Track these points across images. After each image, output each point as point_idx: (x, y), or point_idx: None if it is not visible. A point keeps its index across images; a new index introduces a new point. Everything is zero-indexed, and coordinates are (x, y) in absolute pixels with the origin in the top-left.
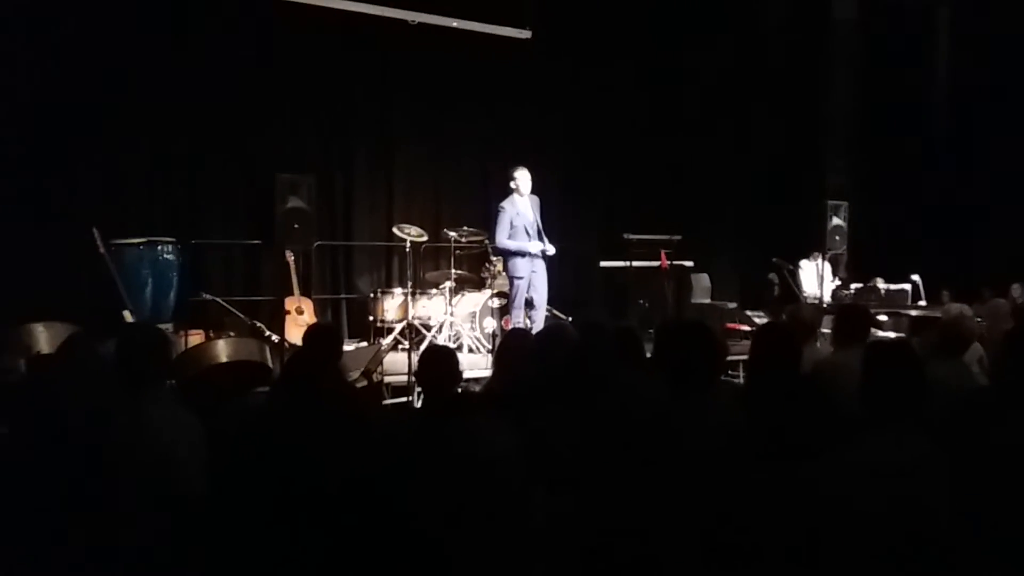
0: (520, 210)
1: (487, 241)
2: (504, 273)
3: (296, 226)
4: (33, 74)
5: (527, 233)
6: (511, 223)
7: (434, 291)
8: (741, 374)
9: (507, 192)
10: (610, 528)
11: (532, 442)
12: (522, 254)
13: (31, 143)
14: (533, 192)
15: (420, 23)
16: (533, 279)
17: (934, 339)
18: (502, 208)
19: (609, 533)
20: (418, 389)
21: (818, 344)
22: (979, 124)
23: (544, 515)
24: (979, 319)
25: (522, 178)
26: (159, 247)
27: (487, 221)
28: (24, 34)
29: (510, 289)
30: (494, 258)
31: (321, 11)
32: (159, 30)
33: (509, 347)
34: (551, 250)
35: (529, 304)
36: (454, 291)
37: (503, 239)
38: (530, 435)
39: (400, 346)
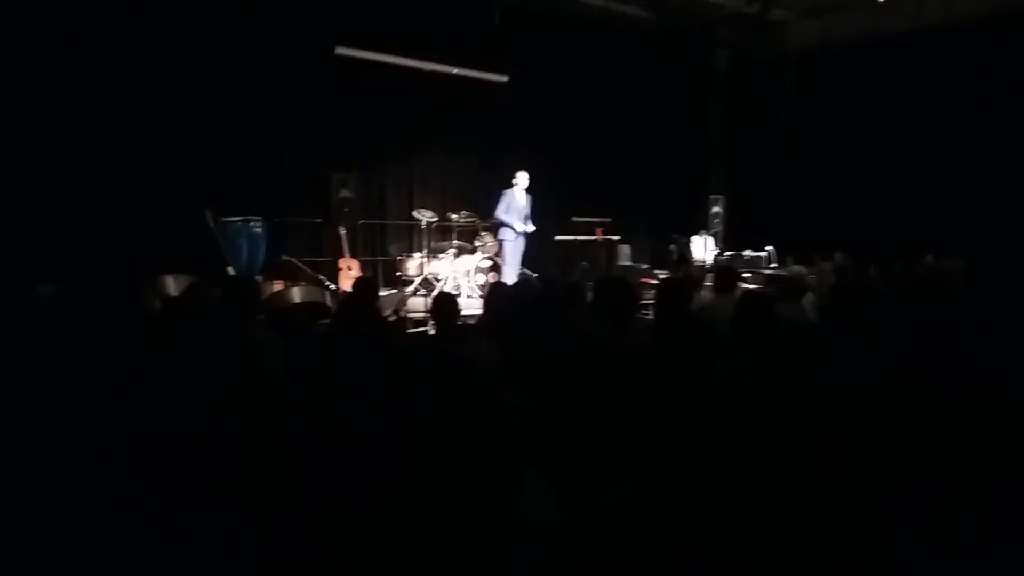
0: (516, 198)
1: (478, 221)
2: (487, 244)
3: (346, 209)
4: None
5: (517, 215)
6: (508, 205)
7: (442, 255)
8: (651, 313)
9: (506, 185)
10: (563, 418)
11: (508, 358)
12: (511, 225)
13: (171, 151)
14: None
15: (431, 70)
16: (516, 245)
17: (781, 289)
18: (504, 193)
19: (563, 421)
20: (431, 322)
21: (703, 293)
22: (812, 143)
23: (516, 409)
24: (811, 276)
25: (521, 177)
26: (251, 223)
27: (478, 207)
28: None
29: (500, 251)
30: (482, 233)
31: (365, 62)
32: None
33: (493, 294)
34: (531, 228)
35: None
36: (455, 255)
37: (500, 213)
38: (507, 353)
39: (418, 293)
